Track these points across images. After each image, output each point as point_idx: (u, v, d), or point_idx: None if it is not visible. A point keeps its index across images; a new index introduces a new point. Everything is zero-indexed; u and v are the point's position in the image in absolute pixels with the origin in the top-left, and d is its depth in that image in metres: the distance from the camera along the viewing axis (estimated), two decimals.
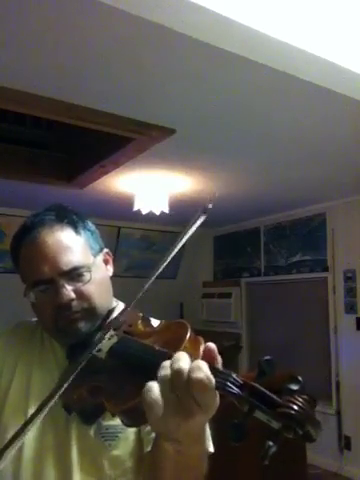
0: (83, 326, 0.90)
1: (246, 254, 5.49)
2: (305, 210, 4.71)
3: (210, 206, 0.70)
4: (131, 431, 0.90)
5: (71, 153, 3.49)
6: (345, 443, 4.18)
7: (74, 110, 2.35)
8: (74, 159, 3.46)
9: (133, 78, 2.10)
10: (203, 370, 0.59)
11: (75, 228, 0.94)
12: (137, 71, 2.03)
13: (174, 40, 1.76)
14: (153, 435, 0.85)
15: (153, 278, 0.70)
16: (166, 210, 3.92)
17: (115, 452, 0.89)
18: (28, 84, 2.14)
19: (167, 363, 0.61)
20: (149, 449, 0.87)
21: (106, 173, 3.42)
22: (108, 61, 1.95)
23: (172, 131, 2.66)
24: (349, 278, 4.30)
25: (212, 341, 0.68)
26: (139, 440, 0.91)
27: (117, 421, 0.86)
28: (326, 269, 4.51)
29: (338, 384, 4.29)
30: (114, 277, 1.01)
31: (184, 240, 0.70)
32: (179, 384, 0.59)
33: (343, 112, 2.44)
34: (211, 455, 0.88)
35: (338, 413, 4.24)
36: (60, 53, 1.88)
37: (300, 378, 0.58)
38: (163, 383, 0.60)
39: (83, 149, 3.35)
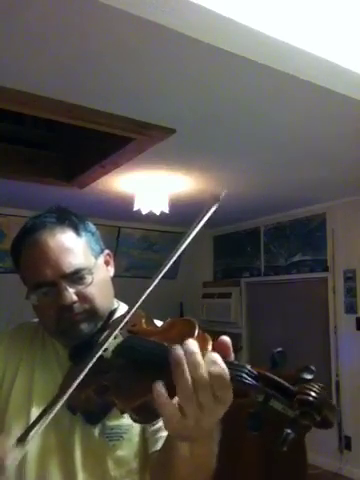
0: (85, 327, 0.90)
1: (246, 254, 5.49)
2: (305, 210, 4.71)
3: (223, 194, 0.70)
4: (136, 432, 0.90)
5: (71, 153, 3.48)
6: (345, 443, 4.18)
7: (74, 110, 2.35)
8: (74, 159, 3.46)
9: (133, 78, 2.10)
10: (218, 363, 0.59)
11: (76, 230, 0.94)
12: (137, 71, 2.03)
13: (174, 40, 1.75)
14: (159, 435, 0.85)
15: (162, 273, 0.69)
16: (166, 210, 3.92)
17: (120, 452, 0.89)
18: (28, 84, 2.14)
19: (181, 358, 0.60)
20: (155, 449, 0.87)
21: (106, 173, 3.42)
22: (108, 61, 1.95)
23: (172, 131, 2.66)
24: (349, 278, 4.30)
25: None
26: (144, 440, 0.91)
27: (122, 421, 0.86)
28: (326, 269, 4.51)
29: (338, 384, 4.29)
30: (114, 277, 1.01)
31: (196, 231, 0.69)
32: (196, 378, 0.58)
33: (343, 112, 2.44)
34: None
35: (338, 413, 4.24)
36: (60, 53, 1.88)
37: (313, 368, 0.59)
38: (180, 378, 0.59)
39: (83, 149, 3.34)
